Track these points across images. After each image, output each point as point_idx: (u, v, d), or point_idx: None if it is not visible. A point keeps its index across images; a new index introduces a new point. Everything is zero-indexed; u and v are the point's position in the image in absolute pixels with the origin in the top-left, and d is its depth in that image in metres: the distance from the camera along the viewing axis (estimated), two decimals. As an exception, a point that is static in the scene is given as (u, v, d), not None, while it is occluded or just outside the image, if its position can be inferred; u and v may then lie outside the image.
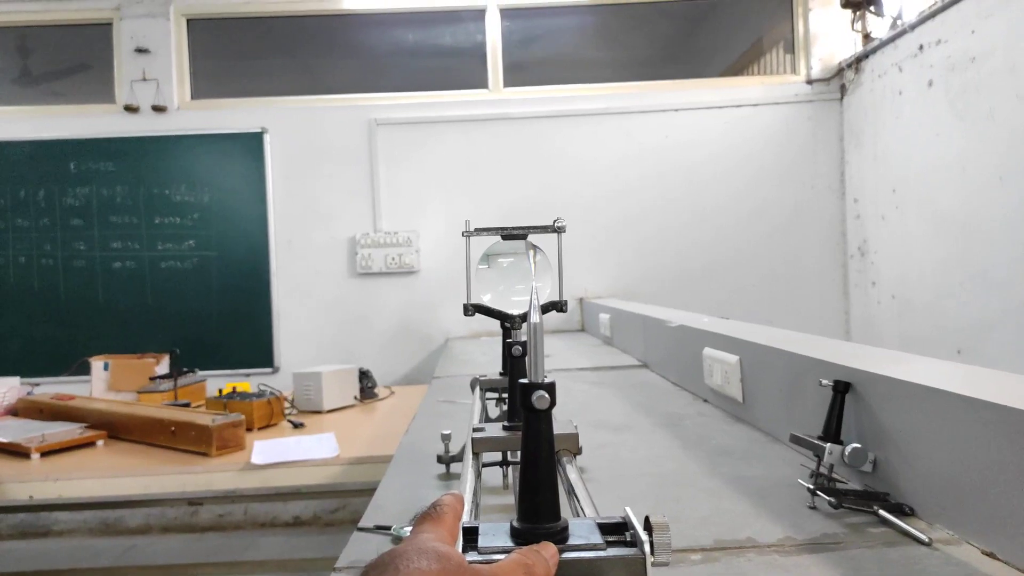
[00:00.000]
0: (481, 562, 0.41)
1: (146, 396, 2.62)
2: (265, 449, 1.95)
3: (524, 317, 0.61)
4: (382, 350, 3.86)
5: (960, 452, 0.80)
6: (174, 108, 3.88)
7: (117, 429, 2.22)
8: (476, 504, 0.63)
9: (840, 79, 3.85)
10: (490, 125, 3.91)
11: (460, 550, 0.43)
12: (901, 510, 0.88)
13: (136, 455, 2.05)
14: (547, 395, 0.46)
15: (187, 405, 2.45)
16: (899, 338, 3.40)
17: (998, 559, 0.74)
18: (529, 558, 0.41)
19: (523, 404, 0.46)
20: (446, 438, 1.14)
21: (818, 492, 0.93)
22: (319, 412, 2.48)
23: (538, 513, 0.46)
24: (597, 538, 0.45)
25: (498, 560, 0.41)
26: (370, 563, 0.37)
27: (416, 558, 0.37)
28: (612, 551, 0.44)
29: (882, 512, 0.87)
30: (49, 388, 2.85)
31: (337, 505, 3.51)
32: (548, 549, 0.42)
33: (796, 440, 1.04)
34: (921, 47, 3.11)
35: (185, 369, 2.75)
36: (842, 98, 3.86)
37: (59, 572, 2.87)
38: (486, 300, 0.71)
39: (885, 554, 0.77)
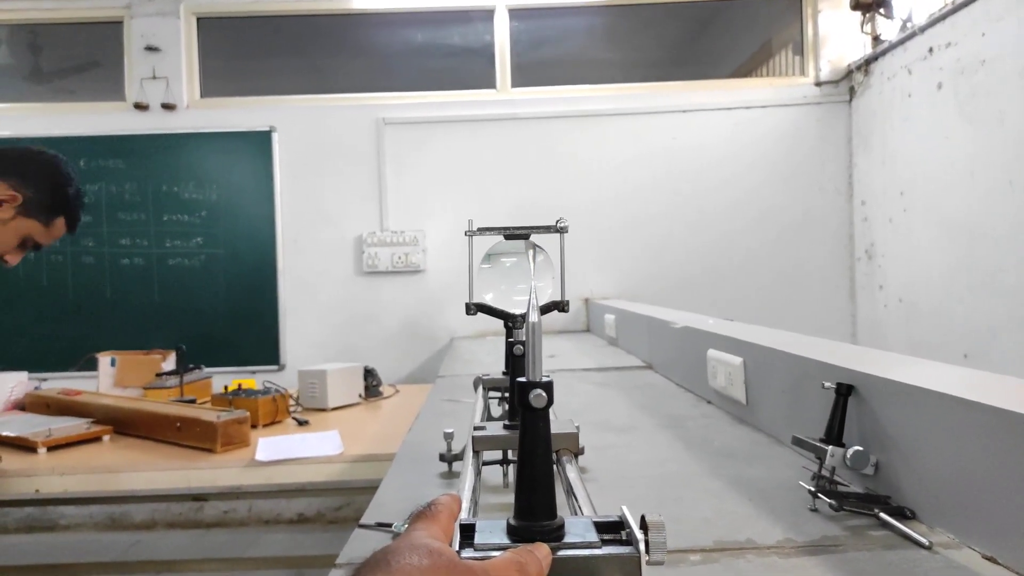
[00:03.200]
0: (476, 558, 0.41)
1: (152, 392, 2.64)
2: (269, 446, 1.96)
3: (525, 317, 0.61)
4: (387, 349, 3.87)
5: (962, 456, 0.80)
6: (183, 106, 3.90)
7: (123, 424, 2.23)
8: (475, 502, 0.63)
9: (849, 81, 3.84)
10: (497, 125, 3.92)
11: (456, 547, 0.44)
12: (902, 513, 0.88)
13: (142, 450, 2.06)
14: (544, 394, 0.46)
15: (193, 401, 2.46)
16: (906, 342, 3.39)
17: (999, 564, 0.74)
18: (522, 556, 0.41)
19: (520, 403, 0.46)
20: (449, 437, 1.14)
21: (819, 494, 0.93)
22: (324, 410, 2.49)
23: (534, 511, 0.46)
24: (593, 536, 0.45)
25: (493, 557, 0.41)
26: (364, 560, 0.38)
27: (408, 554, 0.37)
28: (607, 549, 0.44)
29: (883, 515, 0.87)
30: (56, 383, 2.86)
31: (341, 502, 3.52)
32: (542, 549, 0.43)
33: (798, 442, 1.04)
34: (931, 50, 3.10)
35: (191, 366, 2.76)
36: (851, 100, 3.85)
37: (65, 566, 2.89)
38: (488, 299, 0.71)
39: (885, 557, 0.77)
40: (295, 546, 3.22)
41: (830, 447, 0.96)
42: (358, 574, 0.37)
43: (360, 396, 2.64)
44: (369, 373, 2.73)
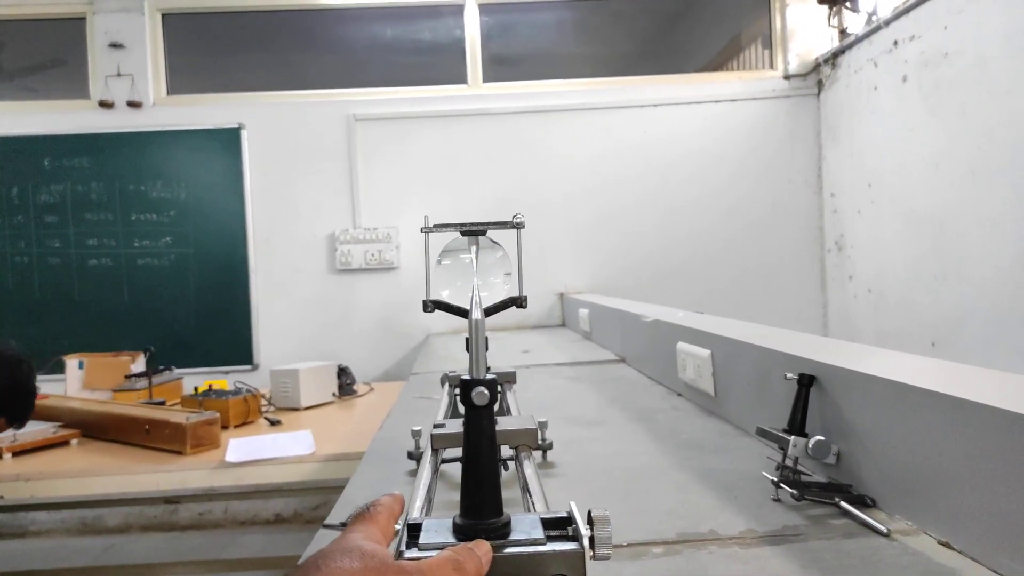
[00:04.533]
0: (417, 558, 0.41)
1: (121, 395, 2.60)
2: (239, 447, 1.94)
3: (487, 312, 0.61)
4: (362, 347, 3.85)
5: (921, 444, 0.81)
6: (149, 104, 3.84)
7: (91, 428, 2.20)
8: (429, 500, 0.63)
9: (817, 74, 3.88)
10: (469, 121, 3.90)
11: (401, 547, 0.43)
12: (863, 502, 0.89)
13: (110, 454, 2.04)
14: (486, 391, 0.46)
15: (163, 403, 2.43)
16: (875, 332, 3.44)
17: (953, 548, 0.75)
18: (460, 555, 0.41)
19: (463, 400, 0.46)
20: (416, 434, 1.14)
21: (782, 484, 0.94)
22: (297, 409, 2.47)
23: (480, 509, 0.46)
24: (539, 533, 0.45)
25: (430, 557, 0.41)
26: (297, 564, 0.38)
27: (339, 557, 0.37)
28: (551, 546, 0.44)
29: (844, 504, 0.88)
30: (23, 387, 2.81)
31: (318, 502, 3.49)
32: (482, 547, 0.43)
33: (762, 433, 1.05)
34: (895, 43, 3.14)
35: (161, 367, 2.73)
36: (819, 93, 3.89)
37: (37, 572, 2.84)
38: (445, 296, 0.71)
39: (844, 545, 0.78)
40: (273, 547, 3.18)
41: (792, 437, 0.97)
42: None
43: (334, 395, 2.63)
44: (343, 371, 2.71)
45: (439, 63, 4.01)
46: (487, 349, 0.47)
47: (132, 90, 3.81)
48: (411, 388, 2.05)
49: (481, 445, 0.46)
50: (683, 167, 3.92)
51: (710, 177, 3.92)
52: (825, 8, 3.73)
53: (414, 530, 0.46)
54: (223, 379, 2.83)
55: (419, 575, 0.38)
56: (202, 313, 3.84)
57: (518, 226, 0.68)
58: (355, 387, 2.76)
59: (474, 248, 0.62)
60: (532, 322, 3.79)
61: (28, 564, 3.03)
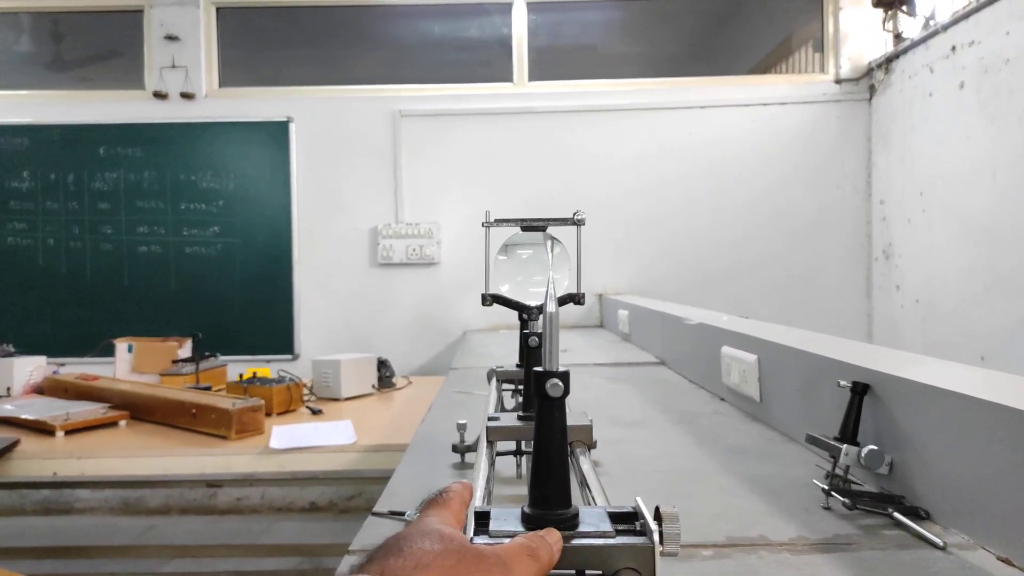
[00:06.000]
0: (488, 544, 0.42)
1: (168, 379, 2.66)
2: (283, 434, 1.98)
3: (541, 308, 0.61)
4: (401, 340, 3.88)
5: (977, 456, 0.79)
6: (202, 95, 3.93)
7: (139, 410, 2.26)
8: (489, 492, 0.64)
9: (869, 79, 3.80)
10: (513, 119, 3.91)
11: (470, 534, 0.44)
12: (916, 513, 0.87)
13: (157, 436, 2.09)
14: (561, 383, 0.46)
15: (208, 389, 2.48)
16: (922, 343, 3.36)
17: (1013, 565, 0.73)
18: (533, 542, 0.42)
19: (537, 392, 0.47)
20: (462, 428, 1.15)
21: (833, 493, 0.93)
22: (337, 399, 2.50)
23: (548, 499, 0.46)
24: (607, 526, 0.45)
25: (504, 543, 0.42)
26: (377, 545, 0.38)
27: (419, 539, 0.38)
28: (621, 539, 0.44)
29: (897, 515, 0.86)
30: (74, 368, 2.90)
31: (353, 492, 3.55)
32: (553, 535, 0.43)
33: (812, 440, 1.04)
34: (953, 48, 3.07)
35: (207, 353, 2.79)
36: (871, 99, 3.81)
37: (80, 548, 2.93)
38: (504, 291, 0.71)
39: (898, 557, 0.77)
40: (307, 534, 3.24)
41: (844, 446, 0.96)
42: (371, 559, 0.37)
43: (373, 387, 2.66)
44: (382, 364, 2.74)
45: (485, 61, 4.03)
46: (559, 345, 0.48)
47: (186, 82, 3.90)
48: (451, 383, 2.06)
49: (553, 436, 0.47)
50: (729, 170, 3.87)
51: (756, 181, 3.86)
52: (880, 12, 3.65)
53: (482, 518, 0.47)
54: (265, 367, 2.88)
55: (496, 559, 0.39)
56: (246, 302, 3.91)
57: (579, 223, 0.68)
58: (394, 380, 2.78)
59: (549, 243, 0.62)
60: (571, 322, 3.78)
61: (73, 540, 3.13)
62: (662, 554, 0.43)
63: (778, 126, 3.85)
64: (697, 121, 3.88)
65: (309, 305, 3.93)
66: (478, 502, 0.58)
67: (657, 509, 0.45)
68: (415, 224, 3.89)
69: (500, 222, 0.71)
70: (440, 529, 0.40)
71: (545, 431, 0.47)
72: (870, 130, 3.83)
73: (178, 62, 3.90)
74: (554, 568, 0.42)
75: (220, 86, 4.00)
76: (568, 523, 0.45)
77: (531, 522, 0.46)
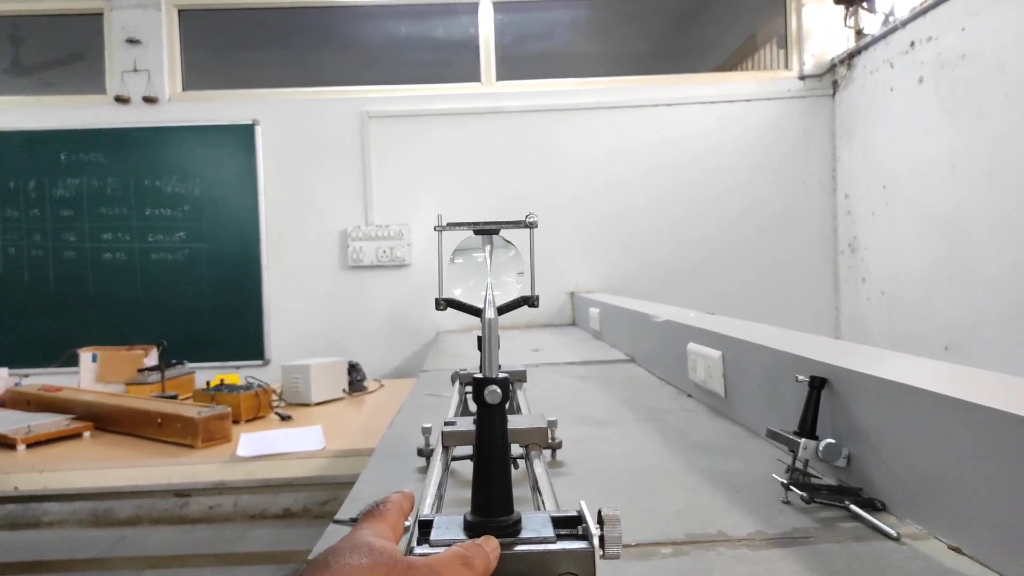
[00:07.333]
0: (425, 555, 0.41)
1: (134, 388, 2.62)
2: (250, 442, 1.96)
3: (500, 311, 0.61)
4: (374, 343, 3.86)
5: (932, 448, 0.81)
6: (165, 99, 3.87)
7: (104, 421, 2.22)
8: (440, 497, 0.63)
9: (832, 75, 3.86)
10: (482, 119, 3.91)
11: (412, 544, 0.44)
12: (873, 505, 0.88)
13: (122, 447, 2.06)
14: (499, 390, 0.46)
15: (175, 397, 2.45)
16: (889, 334, 3.41)
17: (963, 554, 0.75)
18: (468, 551, 0.41)
19: (475, 398, 0.46)
20: (426, 431, 1.14)
21: (791, 487, 0.94)
22: (307, 405, 2.49)
23: (490, 506, 0.46)
24: (549, 531, 0.45)
25: (438, 552, 0.41)
26: (308, 560, 0.38)
27: (349, 554, 0.38)
28: (561, 544, 0.44)
29: (853, 507, 0.87)
30: (38, 380, 2.85)
31: (327, 497, 3.50)
32: (490, 543, 0.43)
33: (772, 435, 1.05)
34: (912, 44, 3.12)
35: (174, 361, 2.75)
36: (834, 94, 3.86)
37: (50, 563, 2.87)
38: (458, 295, 0.71)
39: (853, 548, 0.78)
40: (281, 541, 3.20)
41: (803, 440, 0.97)
42: (301, 575, 0.37)
43: (344, 391, 2.64)
44: (353, 368, 2.73)
45: (453, 61, 4.02)
46: (499, 347, 0.47)
47: (148, 86, 3.84)
48: (421, 385, 2.05)
49: (493, 443, 0.47)
50: (696, 167, 3.91)
51: (724, 177, 3.90)
52: (841, 8, 3.70)
53: (425, 527, 0.46)
54: (235, 374, 2.84)
55: (427, 570, 0.39)
56: (214, 308, 3.86)
57: (531, 226, 0.68)
58: (365, 383, 2.77)
59: (487, 247, 0.62)
60: (542, 321, 3.79)
61: (41, 554, 3.06)
62: (603, 557, 0.43)
63: (744, 123, 3.89)
64: (665, 119, 3.91)
65: (279, 309, 3.89)
66: (427, 509, 0.58)
67: (599, 512, 0.45)
68: (385, 226, 3.87)
69: (452, 226, 0.70)
70: (371, 542, 0.39)
71: (485, 438, 0.47)
72: (834, 125, 3.88)
73: (140, 66, 3.84)
74: (492, 575, 0.41)
75: (184, 89, 3.95)
76: (509, 530, 0.45)
77: (472, 529, 0.45)
